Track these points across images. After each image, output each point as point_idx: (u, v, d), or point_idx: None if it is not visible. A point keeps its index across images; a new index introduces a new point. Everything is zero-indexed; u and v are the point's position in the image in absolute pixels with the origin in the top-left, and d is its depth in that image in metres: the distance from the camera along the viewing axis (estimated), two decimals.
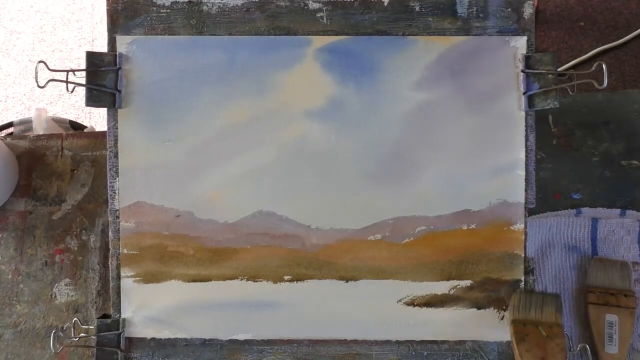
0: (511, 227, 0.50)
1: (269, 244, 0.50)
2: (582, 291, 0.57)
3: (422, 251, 0.50)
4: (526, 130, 0.50)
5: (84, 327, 0.53)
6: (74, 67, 0.49)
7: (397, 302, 0.51)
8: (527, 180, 0.50)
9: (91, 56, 0.50)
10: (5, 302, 0.60)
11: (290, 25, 0.50)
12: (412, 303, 0.51)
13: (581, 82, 0.47)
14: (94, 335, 0.51)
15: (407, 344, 0.51)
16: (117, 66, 0.50)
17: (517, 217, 0.50)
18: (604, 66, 0.46)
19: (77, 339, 0.52)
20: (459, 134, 0.50)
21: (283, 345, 0.51)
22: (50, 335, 0.49)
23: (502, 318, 0.50)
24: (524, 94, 0.49)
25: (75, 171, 0.62)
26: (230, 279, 0.51)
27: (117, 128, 0.50)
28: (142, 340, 0.51)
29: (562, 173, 0.61)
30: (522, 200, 0.50)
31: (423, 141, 0.50)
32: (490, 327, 0.50)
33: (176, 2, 0.50)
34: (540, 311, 0.47)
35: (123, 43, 0.50)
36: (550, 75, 0.49)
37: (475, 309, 0.50)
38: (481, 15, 0.50)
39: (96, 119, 1.44)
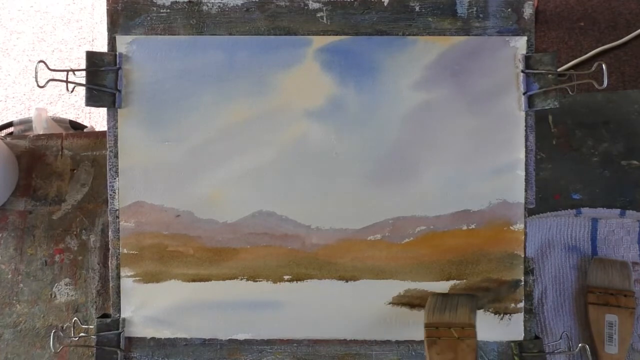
0: (511, 227, 0.50)
1: (268, 243, 0.50)
2: (582, 291, 0.57)
3: (422, 251, 0.50)
4: (526, 130, 0.50)
5: (83, 326, 0.54)
6: (74, 67, 0.49)
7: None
8: (527, 180, 0.50)
9: (91, 56, 0.50)
10: (5, 301, 0.60)
11: (290, 25, 0.50)
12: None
13: (581, 82, 0.47)
14: (93, 335, 0.51)
15: (407, 344, 0.51)
16: (117, 66, 0.50)
17: (517, 217, 0.50)
18: (603, 66, 0.46)
19: (77, 339, 0.52)
20: (459, 134, 0.50)
21: (283, 345, 0.51)
22: (50, 335, 0.49)
23: (501, 318, 0.50)
24: (524, 94, 0.49)
25: (75, 171, 0.62)
26: (230, 278, 0.51)
27: (117, 128, 0.50)
28: (142, 340, 0.51)
29: (562, 173, 0.61)
30: (522, 201, 0.50)
31: (423, 141, 0.50)
32: (490, 327, 0.50)
33: (176, 2, 0.50)
34: (454, 313, 0.47)
35: (123, 43, 0.50)
36: (550, 76, 0.49)
37: None
38: (481, 15, 0.50)
39: (96, 118, 1.44)
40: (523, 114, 0.50)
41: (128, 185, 0.50)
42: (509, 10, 0.50)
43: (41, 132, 0.75)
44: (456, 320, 0.46)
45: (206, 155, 0.50)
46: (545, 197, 0.60)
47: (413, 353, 0.51)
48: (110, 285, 0.51)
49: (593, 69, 0.47)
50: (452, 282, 0.50)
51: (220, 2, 0.50)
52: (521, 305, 0.50)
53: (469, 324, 0.46)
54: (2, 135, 0.84)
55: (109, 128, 0.50)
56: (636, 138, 0.61)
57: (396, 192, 0.50)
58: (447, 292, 0.50)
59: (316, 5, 0.50)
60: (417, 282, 0.50)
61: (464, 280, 0.50)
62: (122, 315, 0.51)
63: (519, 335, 0.50)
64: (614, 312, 0.54)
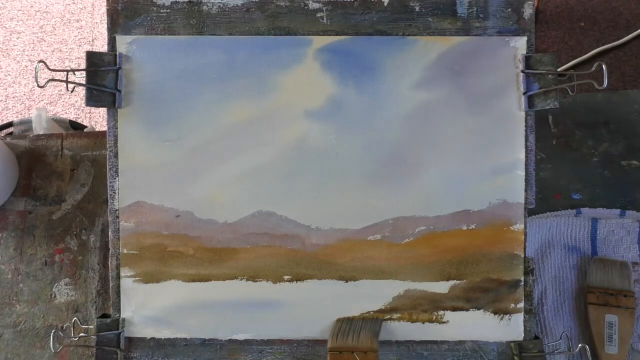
0: (511, 228, 0.50)
1: (268, 244, 0.50)
2: (582, 291, 0.57)
3: (422, 251, 0.50)
4: (526, 130, 0.50)
5: (83, 326, 0.53)
6: (74, 67, 0.49)
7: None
8: (527, 180, 0.50)
9: (91, 56, 0.50)
10: (5, 301, 0.60)
11: (290, 25, 0.50)
12: None
13: (581, 82, 0.47)
14: (93, 335, 0.51)
15: (407, 344, 0.51)
16: (117, 66, 0.50)
17: (517, 217, 0.50)
18: (604, 66, 0.46)
19: (76, 339, 0.52)
20: (459, 134, 0.50)
21: (283, 345, 0.51)
22: (50, 335, 0.49)
23: (501, 319, 0.50)
24: (524, 94, 0.49)
25: (75, 171, 0.62)
26: (230, 279, 0.51)
27: (117, 128, 0.50)
28: (141, 340, 0.51)
29: (562, 173, 0.61)
30: (522, 201, 0.50)
31: (423, 141, 0.50)
32: (490, 327, 0.50)
33: (176, 2, 0.50)
34: (357, 337, 0.48)
35: (123, 43, 0.50)
36: (550, 76, 0.49)
37: (474, 309, 0.50)
38: (481, 15, 0.50)
39: (96, 118, 1.44)
40: (523, 114, 0.50)
41: (128, 185, 0.50)
42: (509, 10, 0.50)
43: (41, 132, 0.75)
44: (359, 345, 0.48)
45: (206, 155, 0.50)
46: (545, 197, 0.60)
47: (413, 353, 0.51)
48: (110, 285, 0.51)
49: (593, 69, 0.47)
50: (452, 282, 0.50)
51: (220, 2, 0.50)
52: (521, 305, 0.50)
53: (371, 348, 0.47)
54: (2, 135, 0.84)
55: (109, 128, 0.50)
56: (636, 138, 0.61)
57: (396, 192, 0.50)
58: (351, 317, 0.50)
59: (316, 5, 0.50)
60: (417, 283, 0.50)
61: (464, 280, 0.50)
62: (122, 315, 0.51)
63: (519, 336, 0.50)
64: (614, 312, 0.54)
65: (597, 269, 0.56)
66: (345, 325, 0.49)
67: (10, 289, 0.60)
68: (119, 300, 0.51)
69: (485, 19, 0.50)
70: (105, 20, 0.50)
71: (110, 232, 0.51)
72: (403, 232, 0.50)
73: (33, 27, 1.54)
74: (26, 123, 0.83)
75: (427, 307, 0.50)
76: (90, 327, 0.52)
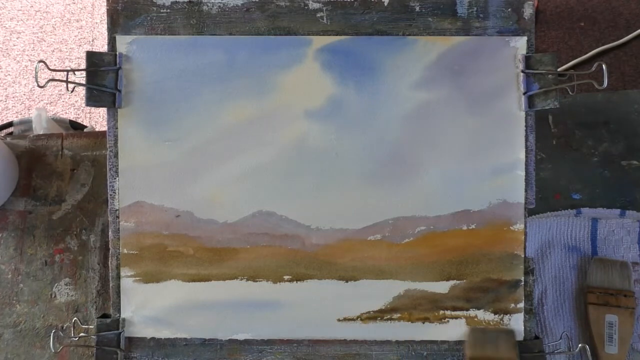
0: (511, 227, 0.50)
1: (269, 243, 0.50)
2: (582, 291, 0.57)
3: (422, 251, 0.50)
4: (526, 130, 0.50)
5: (83, 326, 0.53)
6: (74, 67, 0.49)
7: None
8: (527, 180, 0.50)
9: (91, 56, 0.50)
10: (5, 301, 0.60)
11: (290, 25, 0.50)
12: None
13: (581, 82, 0.47)
14: (93, 335, 0.51)
15: (407, 344, 0.51)
16: (117, 66, 0.50)
17: (517, 217, 0.50)
18: (604, 66, 0.46)
19: (77, 339, 0.52)
20: (459, 134, 0.50)
21: (283, 345, 0.51)
22: (50, 335, 0.49)
23: (501, 319, 0.50)
24: (524, 94, 0.49)
25: (75, 171, 0.62)
26: (230, 279, 0.51)
27: (117, 128, 0.50)
28: (142, 340, 0.51)
29: (562, 173, 0.61)
30: (522, 201, 0.50)
31: (423, 141, 0.50)
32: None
33: (176, 2, 0.50)
34: (495, 347, 0.47)
35: (123, 43, 0.50)
36: (550, 76, 0.49)
37: (474, 309, 0.50)
38: (481, 15, 0.50)
39: (96, 118, 1.44)
40: (523, 114, 0.50)
41: (128, 185, 0.50)
42: (509, 10, 0.50)
43: (41, 132, 0.75)
44: (498, 355, 0.47)
45: (206, 155, 0.50)
46: (545, 197, 0.60)
47: (413, 353, 0.51)
48: (110, 285, 0.51)
49: (593, 69, 0.47)
50: (452, 282, 0.50)
51: (220, 2, 0.50)
52: (521, 305, 0.50)
53: (511, 359, 0.46)
54: (2, 135, 0.84)
55: (109, 128, 0.50)
56: (636, 138, 0.61)
57: (396, 192, 0.50)
58: (484, 327, 0.50)
59: (316, 5, 0.50)
60: (417, 282, 0.50)
61: (464, 281, 0.50)
62: (122, 315, 0.51)
63: (519, 336, 0.50)
64: (614, 312, 0.54)
65: (597, 269, 0.56)
66: (480, 334, 0.48)
67: (10, 289, 0.60)
68: (119, 300, 0.51)
69: (485, 19, 0.50)
70: (105, 20, 0.50)
71: (110, 232, 0.51)
72: (403, 232, 0.50)
73: (33, 27, 1.54)
74: (26, 123, 0.83)
75: (427, 307, 0.50)
76: (90, 327, 0.52)
